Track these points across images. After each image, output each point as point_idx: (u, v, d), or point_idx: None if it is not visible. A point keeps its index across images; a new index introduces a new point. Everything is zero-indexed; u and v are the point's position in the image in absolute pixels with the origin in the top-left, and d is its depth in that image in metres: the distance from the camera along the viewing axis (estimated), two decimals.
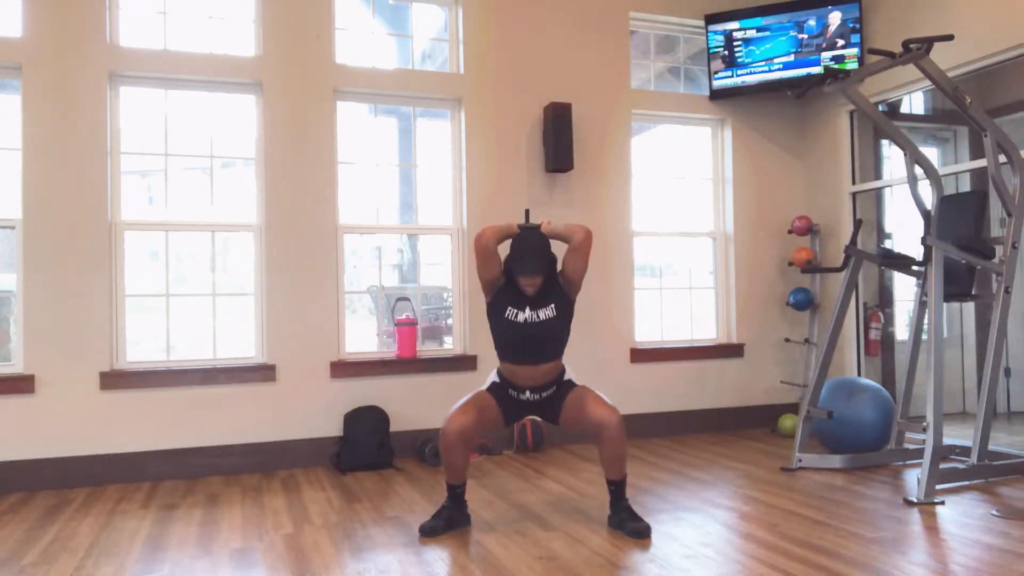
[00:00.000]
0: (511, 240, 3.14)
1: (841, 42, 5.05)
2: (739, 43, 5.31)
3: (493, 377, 3.27)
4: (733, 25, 5.31)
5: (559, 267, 3.23)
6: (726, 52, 5.34)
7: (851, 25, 5.02)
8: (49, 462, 4.06)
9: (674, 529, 3.14)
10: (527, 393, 3.20)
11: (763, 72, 5.28)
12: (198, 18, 4.52)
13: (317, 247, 4.57)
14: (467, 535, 3.11)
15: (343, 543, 3.03)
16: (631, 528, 3.08)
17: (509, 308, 3.12)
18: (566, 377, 3.25)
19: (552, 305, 3.13)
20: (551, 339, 3.16)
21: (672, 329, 5.51)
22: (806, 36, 5.15)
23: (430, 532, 3.11)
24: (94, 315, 4.17)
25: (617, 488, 3.18)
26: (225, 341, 4.52)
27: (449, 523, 3.17)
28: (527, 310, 3.12)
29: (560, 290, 3.18)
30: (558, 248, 3.27)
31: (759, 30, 5.26)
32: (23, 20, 4.10)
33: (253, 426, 4.40)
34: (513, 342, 3.14)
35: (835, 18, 5.07)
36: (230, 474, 4.34)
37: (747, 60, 5.29)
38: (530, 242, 3.08)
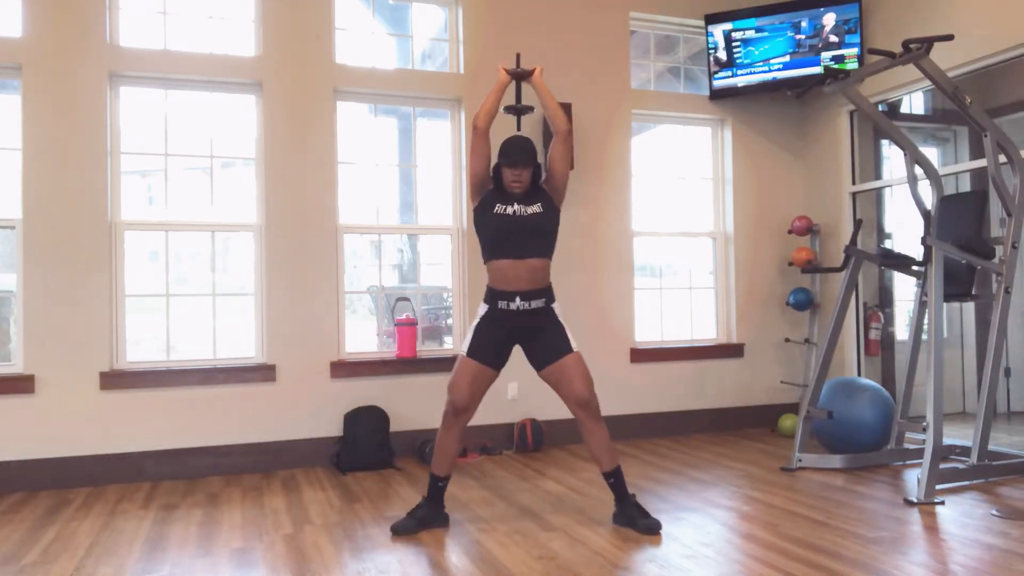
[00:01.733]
0: (499, 145, 3.14)
1: (836, 40, 5.05)
2: (738, 43, 5.31)
3: (479, 313, 3.23)
4: (729, 25, 5.31)
5: (544, 186, 3.26)
6: (725, 52, 5.34)
7: (847, 26, 5.02)
8: (49, 462, 4.06)
9: (674, 529, 3.14)
10: (516, 300, 3.12)
11: (763, 72, 5.28)
12: (198, 18, 4.52)
13: (317, 247, 4.57)
14: (467, 535, 3.11)
15: (343, 543, 3.03)
16: (643, 525, 3.08)
17: (497, 205, 3.15)
18: (555, 305, 3.21)
19: (538, 204, 3.16)
20: (540, 231, 3.16)
21: (672, 329, 5.51)
22: (803, 37, 5.16)
23: (402, 531, 3.11)
24: (94, 315, 4.17)
25: (616, 480, 3.19)
26: (225, 341, 4.52)
27: (421, 523, 3.16)
28: (515, 205, 3.14)
29: (546, 194, 3.21)
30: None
31: (757, 31, 5.26)
32: (23, 20, 4.10)
33: (253, 426, 4.40)
34: (502, 235, 3.13)
35: (830, 19, 5.07)
36: (230, 474, 4.34)
37: (746, 60, 5.30)
38: (518, 140, 3.14)
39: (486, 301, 3.21)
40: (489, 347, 3.18)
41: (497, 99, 3.22)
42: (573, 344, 3.19)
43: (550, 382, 3.21)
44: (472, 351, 3.18)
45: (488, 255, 3.20)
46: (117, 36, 4.34)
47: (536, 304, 3.15)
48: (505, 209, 3.13)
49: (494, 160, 3.20)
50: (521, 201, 3.15)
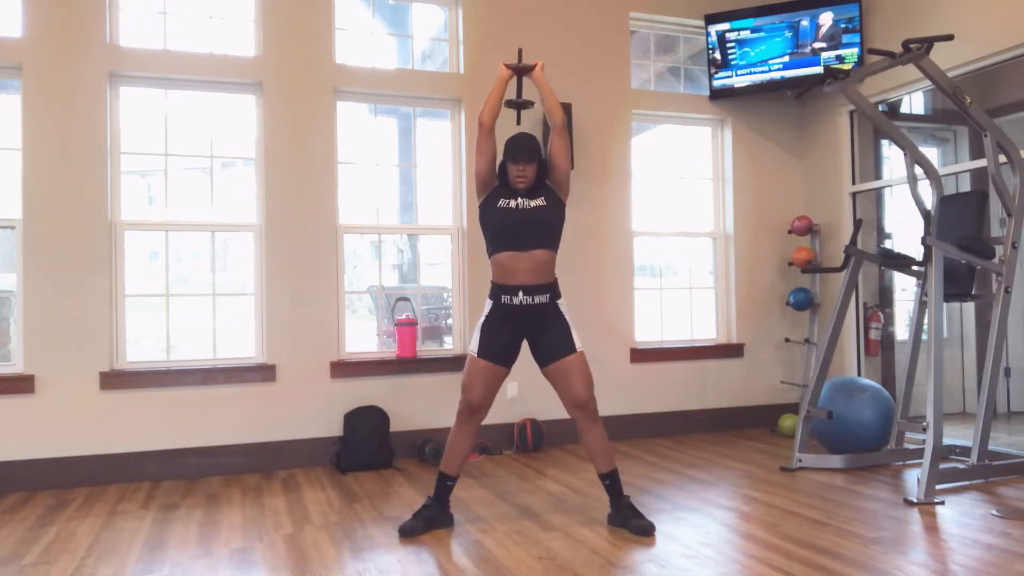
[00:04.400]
0: (504, 142, 3.15)
1: (835, 42, 5.05)
2: (732, 44, 5.31)
3: (484, 312, 3.22)
4: (725, 26, 5.31)
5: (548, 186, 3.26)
6: (719, 53, 5.34)
7: (845, 25, 5.01)
8: (49, 462, 4.06)
9: (674, 529, 3.14)
10: (520, 295, 3.11)
11: (762, 72, 5.28)
12: (198, 18, 4.52)
13: (317, 247, 4.57)
14: (467, 535, 3.11)
15: (343, 543, 3.03)
16: (636, 526, 3.08)
17: (502, 199, 3.16)
18: (561, 301, 3.21)
19: (542, 198, 3.17)
20: (543, 223, 3.15)
21: (672, 329, 5.51)
22: (801, 37, 5.16)
23: (409, 532, 3.10)
24: (94, 315, 4.17)
25: (612, 482, 3.19)
26: (225, 341, 4.52)
27: (429, 523, 3.16)
28: (519, 198, 3.15)
29: (550, 190, 3.22)
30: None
31: (752, 31, 5.26)
32: (23, 20, 4.10)
33: (253, 426, 4.40)
34: (505, 227, 3.13)
35: (827, 18, 5.07)
36: (230, 474, 4.34)
37: (741, 61, 5.30)
38: (522, 136, 3.15)
39: (490, 297, 3.20)
40: (497, 346, 3.17)
41: (500, 94, 3.22)
42: (577, 344, 3.18)
43: (551, 380, 3.20)
44: (482, 351, 3.17)
45: (492, 248, 3.19)
46: (117, 36, 4.34)
47: (540, 299, 3.13)
48: (509, 203, 3.14)
49: (499, 158, 3.20)
50: (525, 195, 3.16)
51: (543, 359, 3.20)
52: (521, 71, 3.31)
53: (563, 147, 3.22)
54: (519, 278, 3.11)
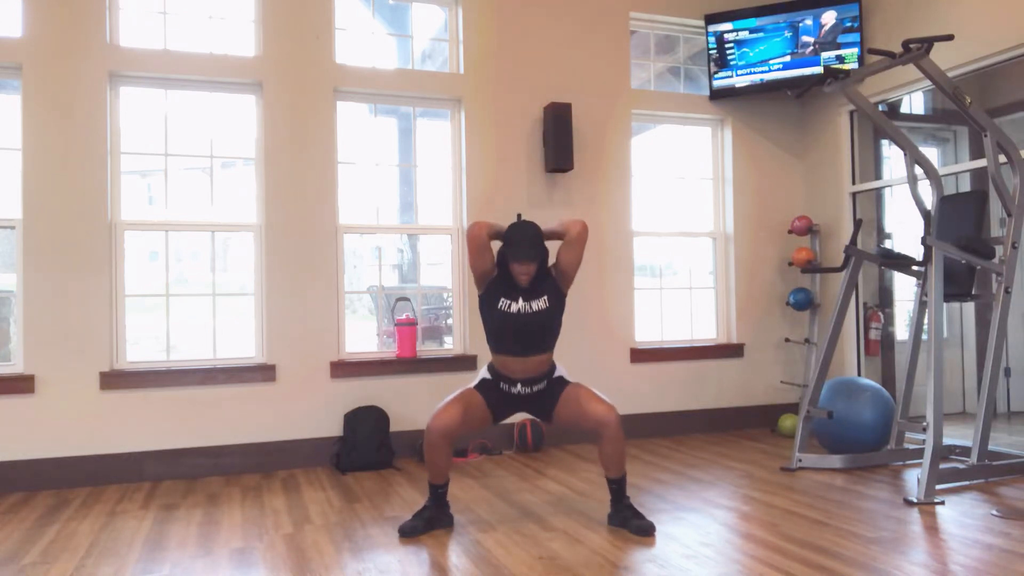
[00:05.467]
0: (505, 232, 3.13)
1: (836, 41, 5.05)
2: (731, 44, 5.31)
3: (483, 373, 3.27)
4: (726, 26, 5.31)
5: (551, 262, 3.25)
6: (718, 54, 5.34)
7: (847, 24, 5.02)
8: (49, 462, 4.06)
9: (674, 529, 3.14)
10: (518, 386, 3.18)
11: (762, 72, 5.28)
12: (198, 18, 4.52)
13: (317, 247, 4.57)
14: (467, 535, 3.11)
15: (343, 543, 3.03)
16: (635, 526, 3.08)
17: (502, 299, 3.13)
18: (557, 374, 3.25)
19: (544, 297, 3.15)
20: (544, 330, 3.16)
21: (672, 329, 5.51)
22: (802, 37, 5.15)
23: (409, 532, 3.11)
24: (94, 315, 4.17)
25: (618, 486, 3.19)
26: (225, 341, 4.52)
27: (429, 523, 3.17)
28: (520, 301, 3.13)
29: (552, 282, 3.20)
30: (552, 253, 3.26)
31: (751, 31, 5.26)
32: (23, 20, 4.10)
33: (253, 426, 4.40)
34: (506, 333, 3.15)
35: (830, 18, 5.07)
36: (230, 474, 4.34)
37: (740, 62, 5.30)
38: (525, 230, 3.09)
39: (490, 371, 3.25)
40: (494, 401, 3.22)
41: (498, 228, 3.17)
42: (569, 379, 3.24)
43: (565, 421, 3.21)
44: (480, 389, 3.22)
45: (492, 347, 3.23)
46: (117, 36, 4.34)
47: (538, 388, 3.21)
48: (510, 306, 3.12)
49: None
50: (527, 295, 3.13)
51: (546, 415, 3.25)
52: (524, 222, 3.15)
53: (575, 258, 3.16)
54: (517, 375, 3.18)
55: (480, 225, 3.12)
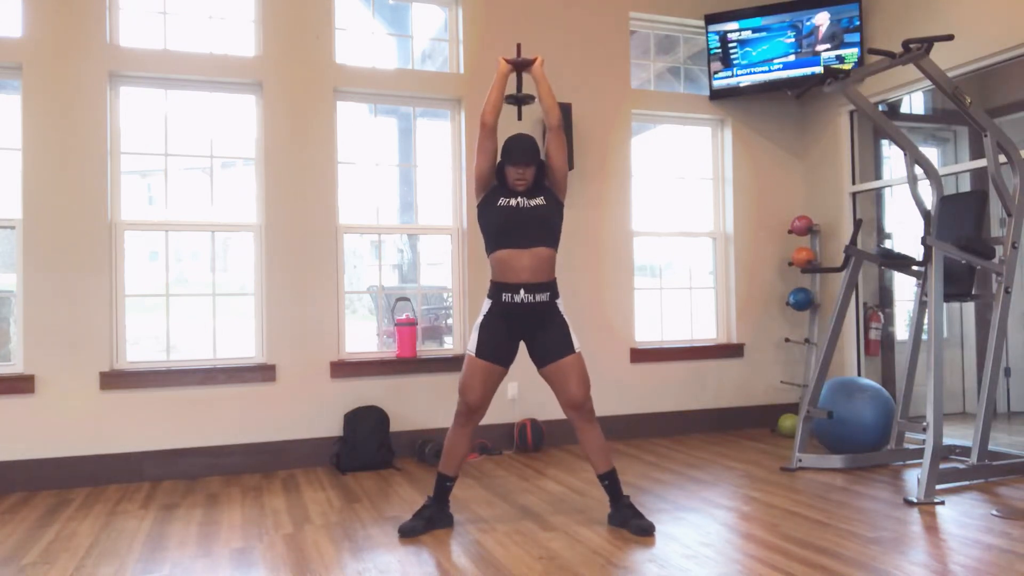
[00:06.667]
0: (504, 143, 3.15)
1: (836, 41, 5.05)
2: (734, 44, 5.31)
3: (484, 308, 3.21)
4: (731, 26, 5.31)
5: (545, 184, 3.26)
6: (721, 53, 5.34)
7: (846, 24, 5.02)
8: (49, 462, 4.06)
9: (674, 529, 3.14)
10: (521, 293, 3.11)
11: (763, 72, 5.28)
12: (198, 18, 4.52)
13: (317, 247, 4.57)
14: (467, 535, 3.11)
15: (343, 543, 3.03)
16: (636, 526, 3.08)
17: (502, 198, 3.16)
18: (559, 301, 3.21)
19: (541, 197, 3.18)
20: (543, 221, 3.16)
21: (672, 329, 5.51)
22: (803, 37, 5.16)
23: (409, 532, 3.10)
24: (94, 315, 4.17)
25: (611, 482, 3.19)
26: (225, 341, 4.52)
27: (429, 523, 3.16)
28: (519, 198, 3.16)
29: (549, 191, 3.23)
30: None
31: (755, 31, 5.26)
32: (23, 20, 4.10)
33: (253, 426, 4.40)
34: (506, 225, 3.13)
35: (823, 19, 5.07)
36: (230, 474, 4.34)
37: (743, 61, 5.30)
38: (521, 138, 3.15)
39: (490, 296, 3.20)
40: (495, 345, 3.16)
41: (500, 91, 3.22)
42: (576, 344, 3.18)
43: (548, 380, 3.20)
44: (480, 350, 3.16)
45: (491, 246, 3.19)
46: (117, 36, 4.34)
47: (540, 298, 3.13)
48: (508, 201, 3.15)
49: (498, 157, 3.20)
50: (524, 195, 3.16)
51: (541, 359, 3.20)
52: (520, 66, 3.31)
53: (560, 148, 3.22)
54: (520, 275, 3.11)
55: (485, 109, 3.18)
